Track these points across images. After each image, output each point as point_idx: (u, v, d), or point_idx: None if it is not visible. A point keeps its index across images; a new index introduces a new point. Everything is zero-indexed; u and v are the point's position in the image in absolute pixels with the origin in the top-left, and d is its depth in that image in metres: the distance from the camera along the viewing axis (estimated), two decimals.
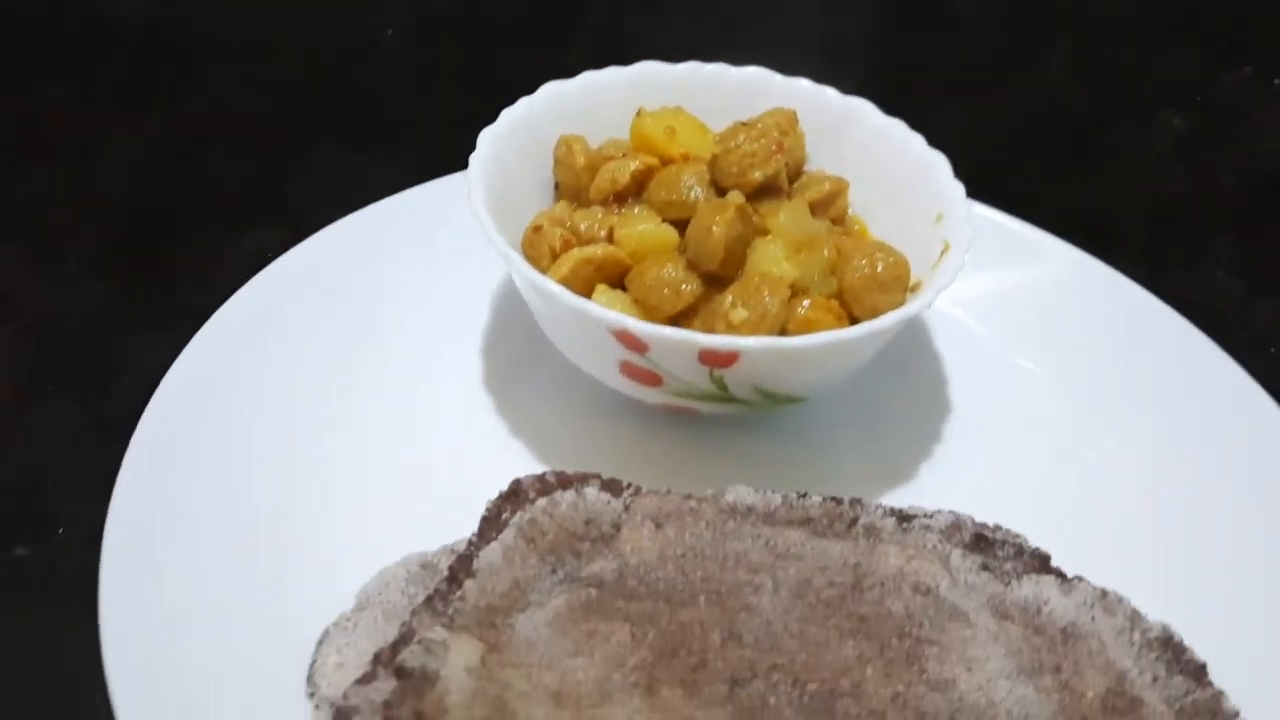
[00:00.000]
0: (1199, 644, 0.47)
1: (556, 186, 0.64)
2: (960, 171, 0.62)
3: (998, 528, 0.50)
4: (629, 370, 0.54)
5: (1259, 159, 0.89)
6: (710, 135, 0.62)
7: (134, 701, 0.43)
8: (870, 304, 0.55)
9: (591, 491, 0.50)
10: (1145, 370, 0.63)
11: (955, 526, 0.51)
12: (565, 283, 0.56)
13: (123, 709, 0.43)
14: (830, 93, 0.66)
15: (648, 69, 0.66)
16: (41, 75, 0.85)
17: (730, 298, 0.54)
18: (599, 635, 0.45)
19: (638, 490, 0.51)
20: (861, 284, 0.55)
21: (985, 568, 0.49)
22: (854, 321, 0.55)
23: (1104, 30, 1.02)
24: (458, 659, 0.45)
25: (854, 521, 0.50)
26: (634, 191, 0.61)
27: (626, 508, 0.50)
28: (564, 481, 0.51)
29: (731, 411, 0.56)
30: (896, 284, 0.56)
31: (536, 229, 0.59)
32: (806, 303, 0.54)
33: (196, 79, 0.86)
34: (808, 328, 0.53)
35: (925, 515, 0.51)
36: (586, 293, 0.56)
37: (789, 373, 0.53)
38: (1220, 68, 0.97)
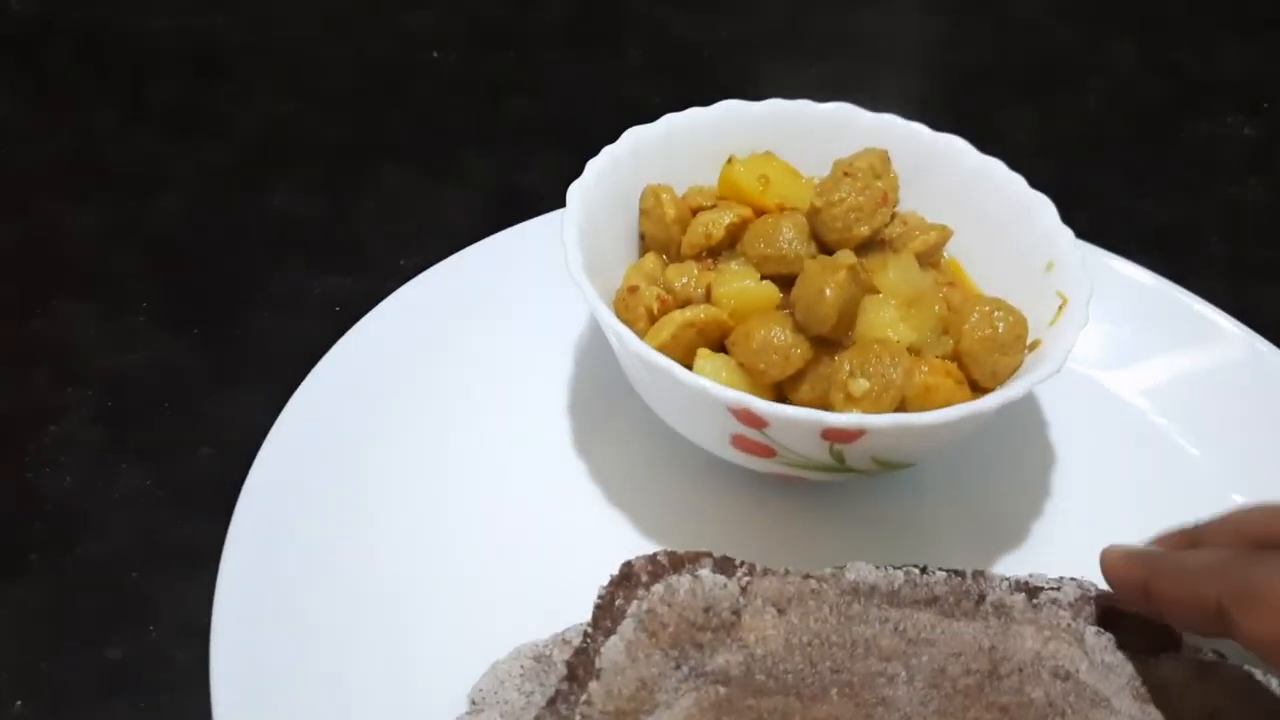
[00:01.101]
0: None
1: (642, 237, 0.62)
2: (1030, 177, 0.60)
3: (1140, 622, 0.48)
4: (741, 444, 0.52)
5: None
6: (804, 182, 0.60)
7: None
8: (990, 366, 0.53)
9: (706, 574, 0.48)
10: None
11: (1084, 599, 0.49)
12: (666, 348, 0.53)
13: None
14: (921, 130, 0.63)
15: (730, 108, 0.64)
16: (86, 106, 0.82)
17: (848, 366, 0.51)
18: None
19: (752, 569, 0.49)
20: (981, 346, 0.53)
21: (1121, 646, 0.47)
22: (972, 383, 0.53)
23: (1169, 30, 1.00)
24: None
25: (981, 599, 0.48)
26: (728, 244, 0.58)
27: (744, 589, 0.48)
28: (676, 563, 0.49)
29: (843, 479, 0.54)
30: (1016, 344, 0.54)
31: (632, 289, 0.56)
32: (924, 369, 0.52)
33: (247, 101, 0.84)
34: (927, 394, 0.51)
35: (1052, 587, 0.49)
36: (688, 356, 0.54)
37: (913, 445, 0.51)
38: None
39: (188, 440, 0.61)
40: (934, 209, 0.62)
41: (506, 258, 0.65)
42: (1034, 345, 0.55)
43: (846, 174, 0.57)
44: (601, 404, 0.61)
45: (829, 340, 0.54)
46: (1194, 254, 0.78)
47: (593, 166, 0.59)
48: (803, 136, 0.63)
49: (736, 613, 0.47)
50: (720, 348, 0.55)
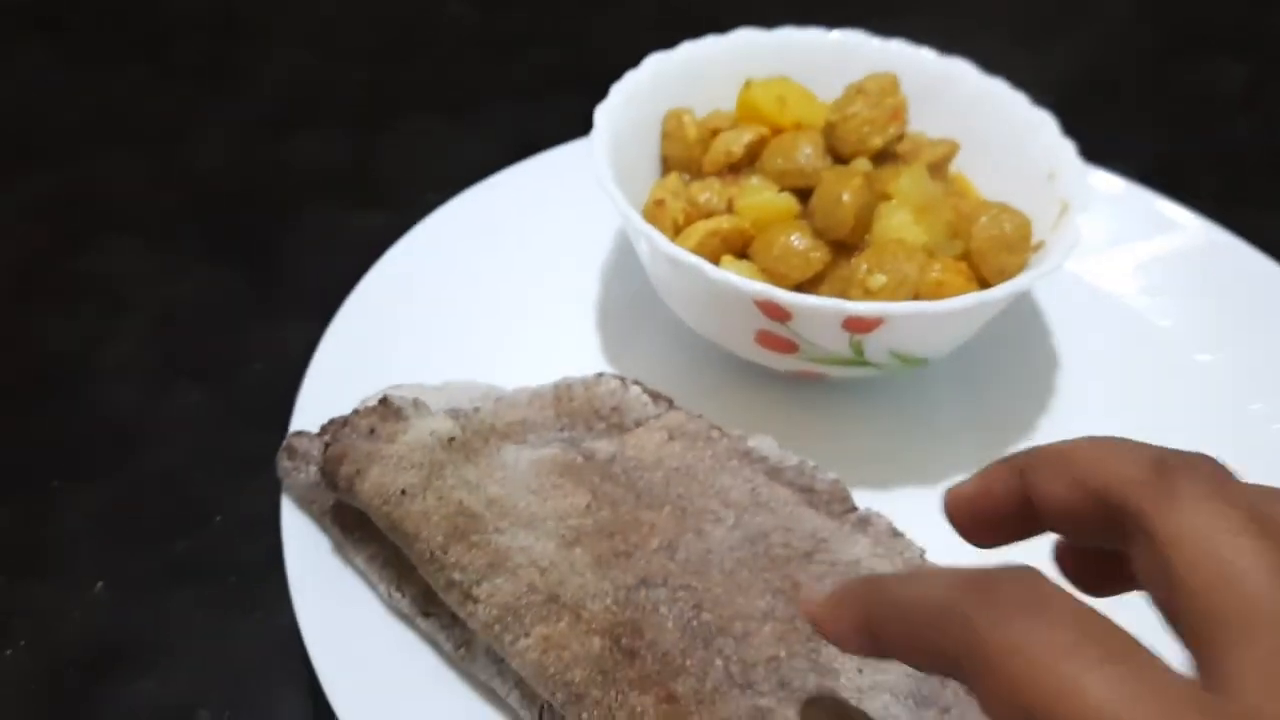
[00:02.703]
0: None
1: (664, 159, 0.65)
2: None
3: None
4: (765, 339, 0.55)
5: None
6: (818, 103, 0.63)
7: (336, 669, 0.45)
8: (998, 265, 0.56)
9: (635, 390, 0.54)
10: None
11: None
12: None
13: (328, 678, 0.45)
14: (928, 54, 0.67)
15: (745, 37, 0.67)
16: (116, 59, 0.85)
17: (865, 265, 0.55)
18: (561, 490, 0.49)
19: (672, 405, 0.54)
20: (989, 245, 0.56)
21: None
22: (981, 282, 0.56)
23: None
24: (434, 423, 0.50)
25: (853, 510, 0.51)
26: (747, 162, 0.62)
27: (657, 416, 0.53)
28: (623, 378, 0.55)
29: (861, 375, 0.58)
30: (1022, 244, 0.57)
31: (659, 203, 0.60)
32: (937, 267, 0.55)
33: (269, 55, 0.87)
34: (940, 290, 0.55)
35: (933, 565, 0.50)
36: (713, 263, 0.57)
37: (928, 335, 0.55)
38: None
39: (238, 360, 0.64)
40: (941, 128, 0.65)
41: (533, 183, 0.69)
42: (1038, 246, 0.58)
43: (860, 92, 0.60)
44: (627, 319, 0.65)
45: (846, 245, 0.57)
46: (1190, 189, 0.81)
47: (618, 90, 0.63)
48: (814, 62, 0.67)
49: (639, 423, 0.53)
50: (743, 257, 0.59)
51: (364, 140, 0.80)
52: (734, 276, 0.53)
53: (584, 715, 0.42)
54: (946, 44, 0.66)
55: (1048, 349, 0.64)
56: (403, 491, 0.46)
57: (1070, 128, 0.63)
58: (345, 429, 0.48)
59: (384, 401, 0.49)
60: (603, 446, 0.52)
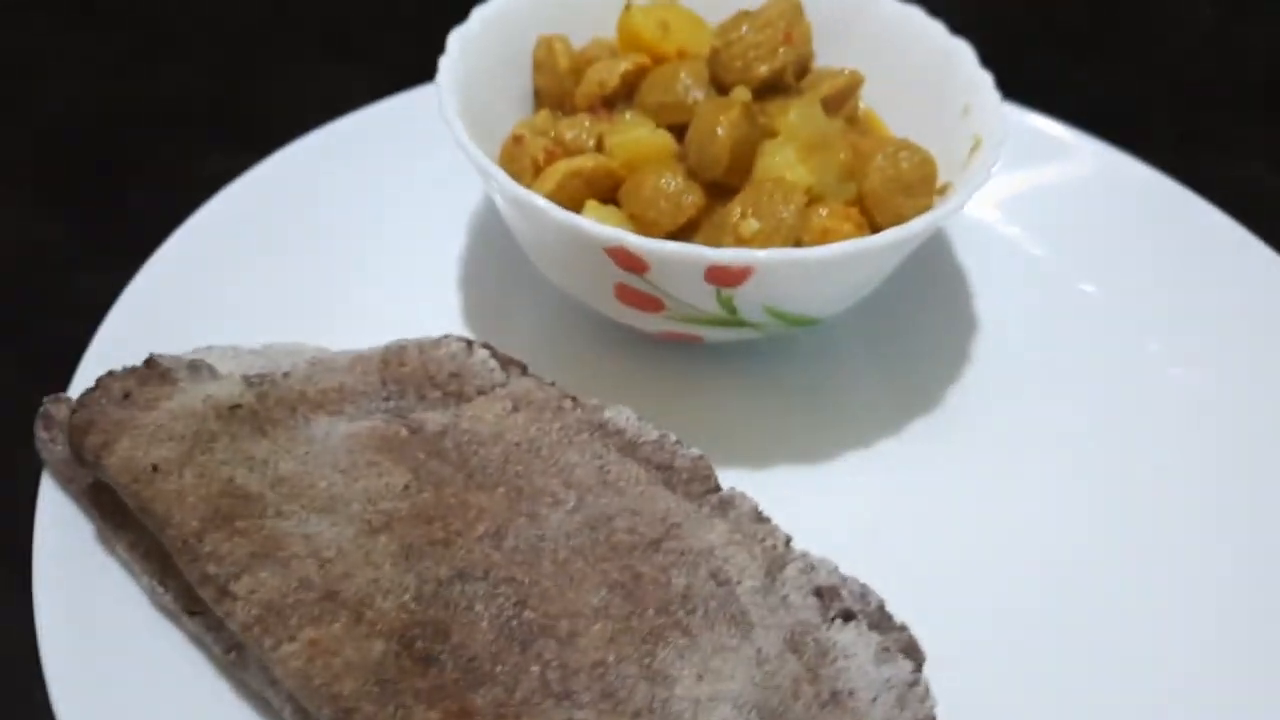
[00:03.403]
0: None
1: (537, 93, 0.57)
2: (980, 52, 0.55)
3: (863, 594, 0.43)
4: (626, 295, 0.48)
5: None
6: (707, 29, 0.56)
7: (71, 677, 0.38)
8: (894, 209, 0.49)
9: (482, 354, 0.47)
10: (1185, 271, 0.58)
11: (821, 564, 0.44)
12: (550, 198, 0.49)
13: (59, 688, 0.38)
14: None
15: None
16: None
17: (739, 209, 0.48)
18: (377, 468, 0.42)
19: (524, 372, 0.48)
20: (884, 187, 0.49)
21: (819, 594, 0.42)
22: (876, 229, 0.49)
23: None
24: (213, 389, 0.43)
25: (715, 490, 0.45)
26: (624, 95, 0.54)
27: (503, 384, 0.47)
28: (471, 341, 0.48)
29: (739, 337, 0.51)
30: (923, 185, 0.50)
31: (517, 140, 0.52)
32: (823, 211, 0.48)
33: None
34: (825, 238, 0.48)
35: (800, 554, 0.43)
36: (575, 209, 0.50)
37: (806, 289, 0.47)
38: None
39: (48, 314, 0.57)
40: (852, 59, 0.58)
41: (396, 123, 0.61)
42: (944, 189, 0.51)
43: (747, 15, 0.53)
44: (496, 275, 0.57)
45: (725, 187, 0.50)
46: (1143, 126, 0.74)
47: (479, 13, 0.55)
48: None
49: (481, 392, 0.46)
50: (614, 202, 0.51)
51: (232, 75, 0.72)
52: (581, 220, 0.46)
53: None
54: None
55: (966, 308, 0.57)
56: (154, 467, 0.39)
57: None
58: (96, 393, 0.41)
59: (149, 363, 0.42)
60: (434, 418, 0.45)
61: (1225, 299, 0.57)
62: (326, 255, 0.56)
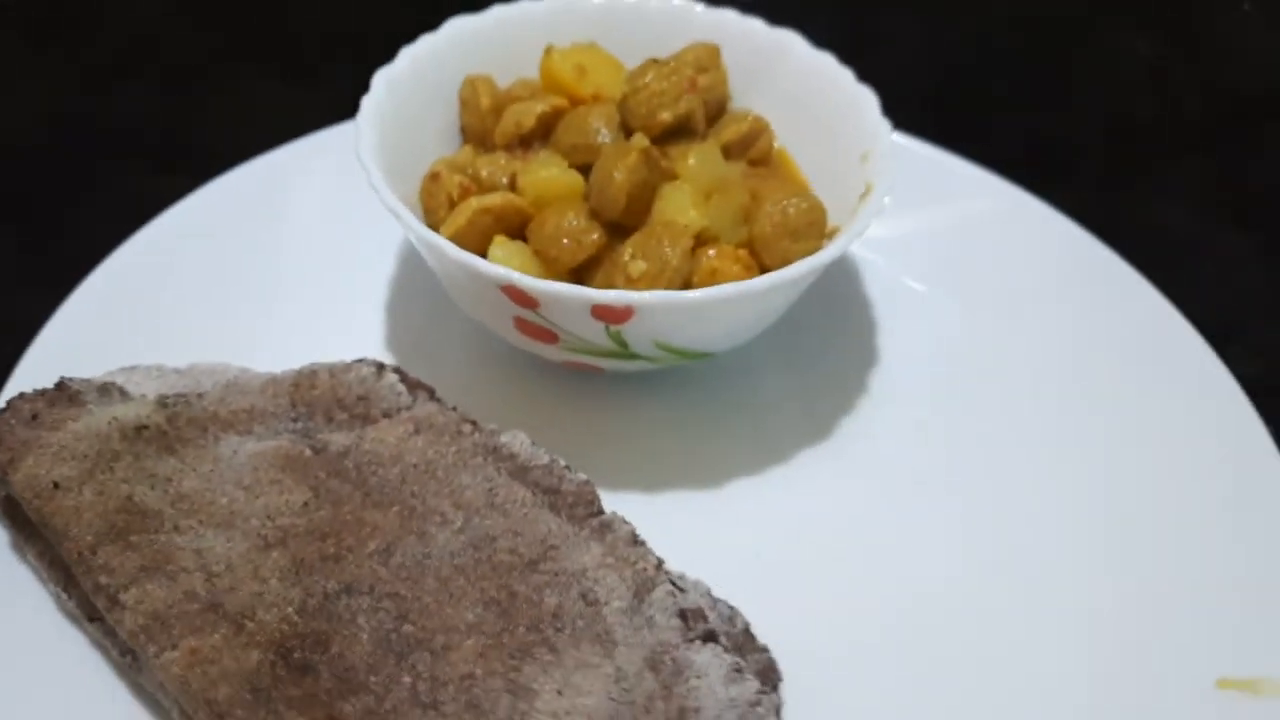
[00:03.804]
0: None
1: (463, 130, 0.60)
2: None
3: (730, 617, 0.46)
4: (524, 327, 0.51)
5: (1228, 81, 0.84)
6: (624, 74, 0.59)
7: None
8: (781, 252, 0.52)
9: (391, 378, 0.50)
10: (1082, 311, 0.61)
11: (694, 586, 0.47)
12: (462, 234, 0.52)
13: None
14: (757, 25, 0.62)
15: (563, 2, 0.62)
16: None
17: (629, 250, 0.50)
18: (279, 486, 0.45)
19: (432, 396, 0.50)
20: (772, 232, 0.52)
21: (683, 616, 0.44)
22: (765, 271, 0.52)
23: None
24: (120, 411, 0.46)
25: (597, 514, 0.47)
26: (540, 135, 0.57)
27: (409, 407, 0.50)
28: (382, 366, 0.51)
29: (636, 368, 0.53)
30: (810, 230, 0.52)
31: (434, 176, 0.55)
32: (712, 252, 0.51)
33: (110, 7, 0.82)
34: (712, 279, 0.50)
35: (671, 577, 0.45)
36: (485, 243, 0.53)
37: (689, 327, 0.50)
38: None
39: None
40: (767, 103, 0.61)
41: (332, 154, 0.64)
42: (833, 233, 0.53)
43: (655, 61, 0.56)
44: (420, 308, 0.60)
45: (625, 228, 0.52)
46: (1071, 165, 0.76)
47: (406, 53, 0.58)
48: (638, 31, 0.62)
49: (387, 414, 0.49)
50: (523, 237, 0.54)
51: (186, 99, 0.75)
52: (475, 260, 0.49)
53: None
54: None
55: (866, 344, 0.60)
56: (55, 484, 0.42)
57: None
58: (6, 414, 0.44)
59: (59, 385, 0.45)
60: (338, 439, 0.48)
61: (1115, 339, 0.59)
62: (257, 281, 0.59)
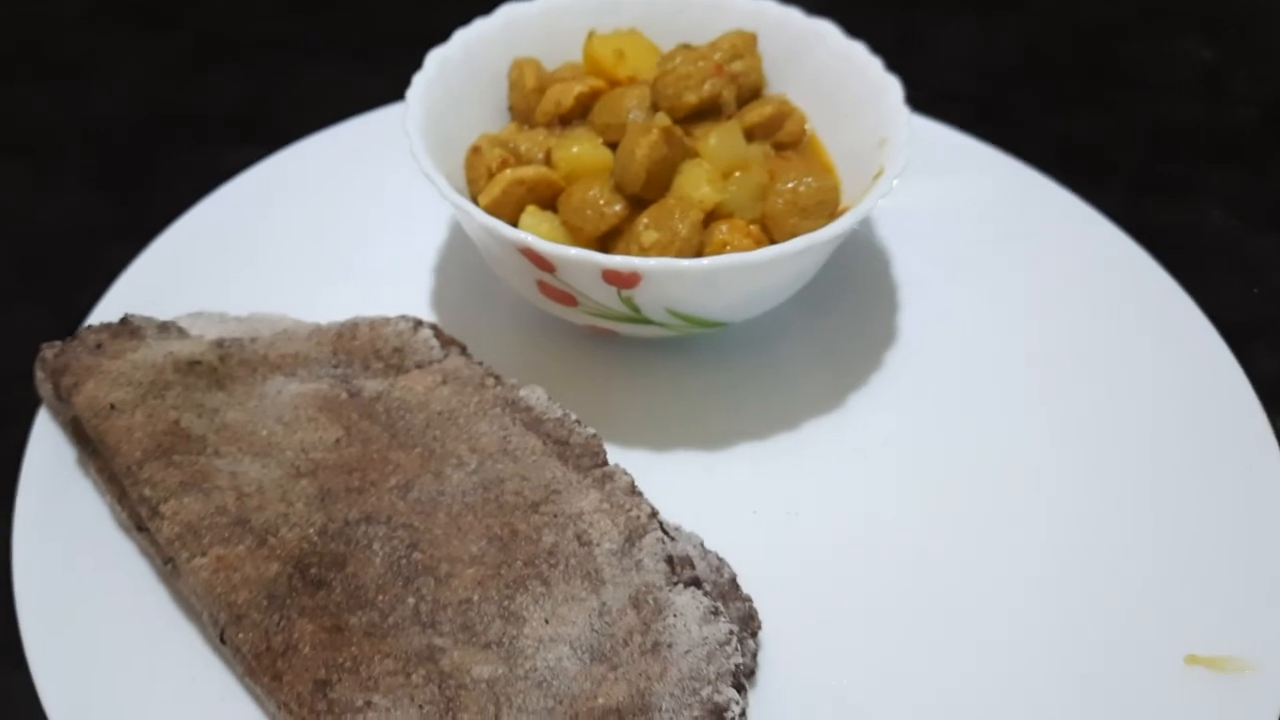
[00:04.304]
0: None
1: (510, 109, 0.64)
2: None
3: (719, 567, 0.49)
4: (546, 290, 0.55)
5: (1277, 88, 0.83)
6: (659, 57, 0.62)
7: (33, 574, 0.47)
8: (790, 228, 0.55)
9: (426, 333, 0.54)
10: (1089, 289, 0.63)
11: (688, 537, 0.50)
12: (497, 203, 0.57)
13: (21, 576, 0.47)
14: (794, 14, 0.65)
15: None
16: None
17: (645, 220, 0.54)
18: (316, 423, 0.50)
19: (463, 351, 0.55)
20: (783, 208, 0.55)
21: (669, 562, 0.47)
22: (776, 244, 0.55)
23: None
24: (176, 346, 0.51)
25: (601, 465, 0.50)
26: (579, 114, 0.61)
27: (439, 360, 0.54)
28: (420, 322, 0.56)
29: (651, 334, 0.57)
30: (820, 209, 0.55)
31: (475, 150, 0.59)
32: (724, 228, 0.54)
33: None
34: (722, 251, 0.53)
35: (665, 526, 0.49)
36: (518, 212, 0.57)
37: (696, 295, 0.53)
38: None
39: (86, 279, 0.66)
40: (800, 89, 0.63)
41: (388, 129, 0.69)
42: (845, 212, 0.56)
43: (685, 47, 0.59)
44: (459, 272, 0.64)
45: (645, 201, 0.56)
46: (1110, 172, 0.77)
47: (460, 36, 0.63)
48: (680, 20, 0.65)
49: (419, 366, 0.53)
50: (554, 208, 0.58)
51: (266, 80, 0.81)
52: (498, 224, 0.53)
53: (241, 635, 0.43)
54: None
55: (884, 322, 0.62)
56: (111, 406, 0.47)
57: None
58: (74, 343, 0.50)
59: (123, 321, 0.51)
60: (372, 385, 0.53)
61: (1123, 320, 0.61)
62: (316, 242, 0.65)
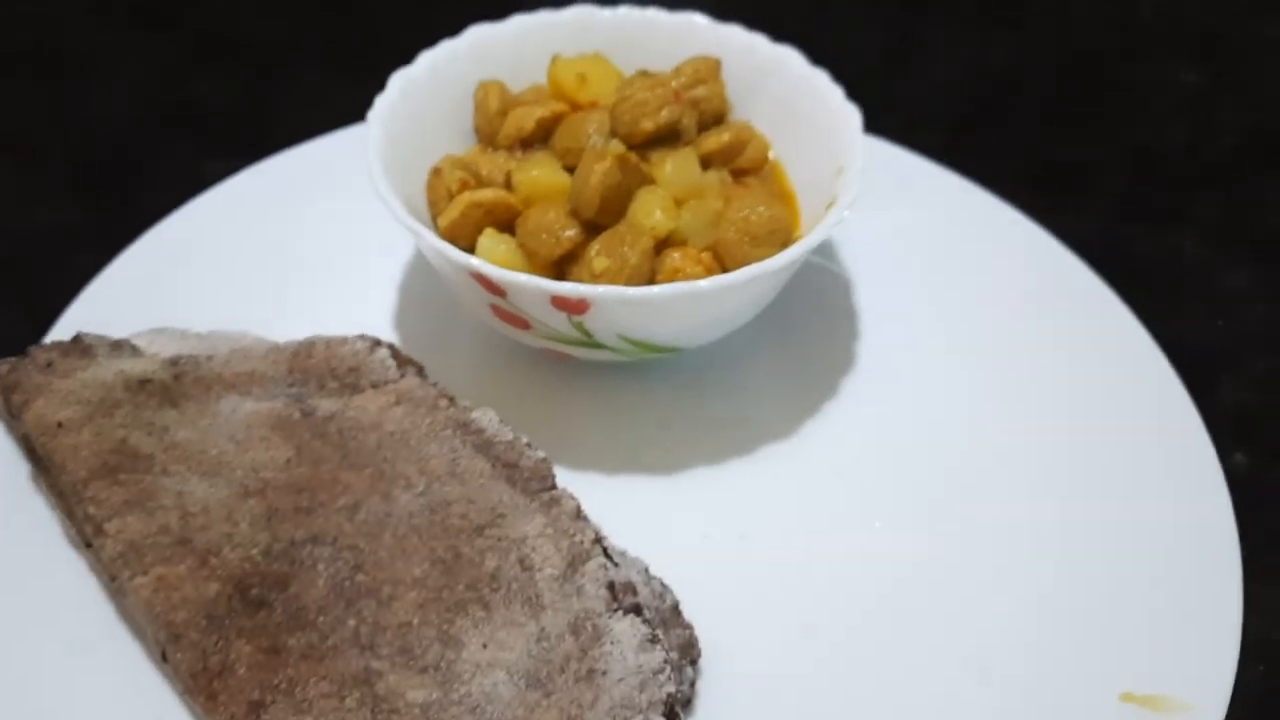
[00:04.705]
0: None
1: (475, 131, 0.65)
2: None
3: (661, 594, 0.49)
4: (500, 314, 0.56)
5: (1264, 119, 0.84)
6: (620, 83, 0.62)
7: None
8: (741, 257, 0.55)
9: (383, 353, 0.55)
10: (1046, 320, 0.63)
11: (631, 563, 0.50)
12: (455, 225, 0.57)
13: None
14: (759, 41, 0.65)
15: (579, 13, 0.67)
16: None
17: (595, 247, 0.54)
18: (267, 442, 0.50)
19: (420, 372, 0.55)
20: (734, 237, 0.55)
21: (611, 588, 0.47)
22: (725, 272, 0.55)
23: None
24: (127, 365, 0.51)
25: (549, 489, 0.51)
26: (541, 138, 0.61)
27: (395, 381, 0.54)
28: (378, 342, 0.56)
29: (605, 359, 0.57)
30: (772, 238, 0.55)
31: (436, 172, 0.60)
32: (676, 255, 0.55)
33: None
34: (674, 279, 0.54)
35: (607, 552, 0.49)
36: (475, 235, 0.58)
37: (646, 322, 0.54)
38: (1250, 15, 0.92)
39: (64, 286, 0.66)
40: (763, 116, 0.64)
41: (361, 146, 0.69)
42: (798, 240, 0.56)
43: (644, 73, 0.59)
44: (421, 293, 0.65)
45: (603, 226, 0.56)
46: (1090, 195, 0.77)
47: (425, 57, 0.63)
48: (648, 44, 0.66)
49: (374, 386, 0.54)
50: (512, 230, 0.58)
51: (259, 86, 0.82)
52: (447, 248, 0.53)
53: (179, 655, 0.44)
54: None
55: (840, 348, 0.63)
56: (59, 424, 0.48)
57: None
58: (25, 360, 0.50)
59: (75, 339, 0.51)
60: (326, 405, 0.54)
61: (1075, 346, 0.61)
62: (283, 258, 0.65)
